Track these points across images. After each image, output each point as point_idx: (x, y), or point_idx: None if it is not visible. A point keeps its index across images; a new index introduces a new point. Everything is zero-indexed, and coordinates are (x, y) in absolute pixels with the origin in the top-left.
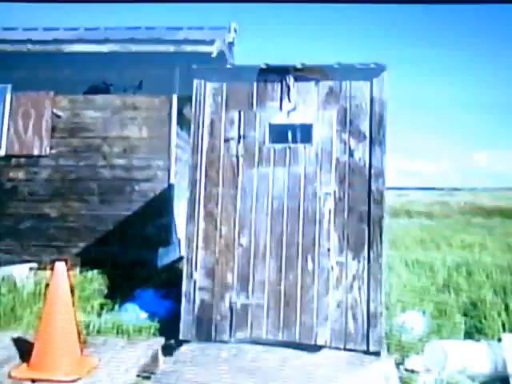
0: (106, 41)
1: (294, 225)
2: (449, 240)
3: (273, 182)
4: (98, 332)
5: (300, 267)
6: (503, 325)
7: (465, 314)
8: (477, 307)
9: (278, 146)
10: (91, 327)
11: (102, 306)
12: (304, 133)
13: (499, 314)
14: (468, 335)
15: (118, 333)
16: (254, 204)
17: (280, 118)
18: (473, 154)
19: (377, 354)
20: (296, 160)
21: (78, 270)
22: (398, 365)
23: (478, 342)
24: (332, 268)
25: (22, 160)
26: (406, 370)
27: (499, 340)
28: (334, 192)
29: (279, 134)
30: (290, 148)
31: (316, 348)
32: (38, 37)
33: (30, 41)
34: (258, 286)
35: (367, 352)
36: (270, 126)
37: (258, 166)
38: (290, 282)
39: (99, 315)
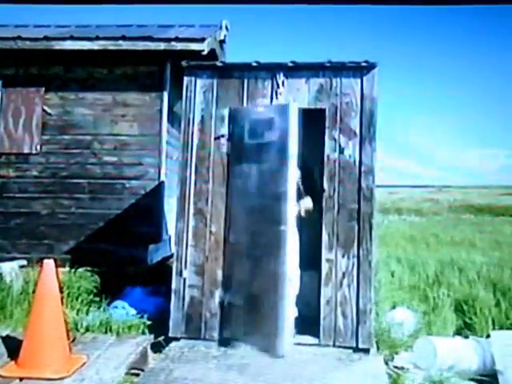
0: (96, 38)
1: None
2: (438, 237)
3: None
4: (87, 329)
5: None
6: (493, 321)
7: (455, 311)
8: (467, 304)
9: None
10: (80, 325)
11: (91, 304)
12: None
13: (489, 311)
14: (458, 332)
15: (107, 330)
16: (243, 201)
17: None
18: (463, 152)
19: (366, 350)
20: None
21: (67, 267)
22: (387, 362)
23: (466, 338)
24: (321, 264)
25: (13, 157)
26: (395, 366)
27: (488, 337)
28: (324, 189)
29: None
30: None
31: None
32: (29, 34)
33: (20, 38)
34: (246, 282)
35: (356, 349)
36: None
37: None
38: None
39: (88, 313)
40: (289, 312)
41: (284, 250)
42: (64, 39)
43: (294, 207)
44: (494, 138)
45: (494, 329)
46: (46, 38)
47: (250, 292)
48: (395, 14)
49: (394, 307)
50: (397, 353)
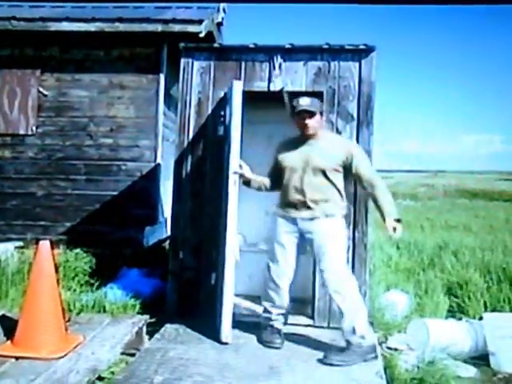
0: (93, 19)
1: None
2: (433, 221)
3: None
4: (83, 310)
5: None
6: (485, 304)
7: (448, 294)
8: (460, 287)
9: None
10: (76, 305)
11: (87, 285)
12: None
13: (482, 294)
14: (451, 314)
15: (102, 311)
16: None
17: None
18: (459, 137)
19: None
20: None
21: (63, 248)
22: (380, 343)
23: (459, 320)
24: None
25: (8, 139)
26: (389, 348)
27: (480, 319)
28: None
29: None
30: None
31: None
32: (24, 14)
33: (15, 18)
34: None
35: None
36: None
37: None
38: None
39: (84, 293)
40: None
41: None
42: (60, 20)
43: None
44: (489, 124)
45: (486, 311)
46: (42, 19)
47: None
48: None
49: (388, 290)
50: (390, 334)
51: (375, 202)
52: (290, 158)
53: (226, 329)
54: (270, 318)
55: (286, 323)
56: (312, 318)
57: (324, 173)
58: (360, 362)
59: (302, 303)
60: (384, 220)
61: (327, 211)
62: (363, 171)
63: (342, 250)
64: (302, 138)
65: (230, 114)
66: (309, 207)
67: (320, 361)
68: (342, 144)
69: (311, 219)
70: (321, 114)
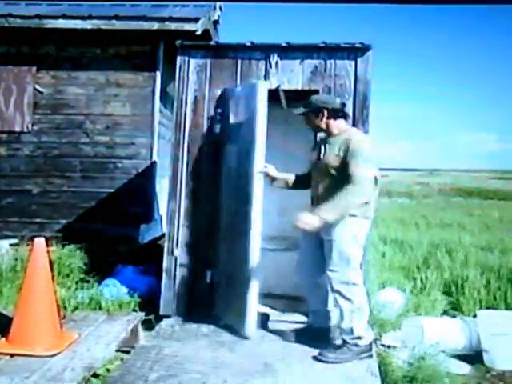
0: (89, 17)
1: None
2: (428, 219)
3: None
4: (78, 307)
5: None
6: (480, 302)
7: (443, 292)
8: (455, 285)
9: None
10: (71, 303)
11: (82, 282)
12: None
13: (478, 292)
14: (445, 312)
15: (97, 308)
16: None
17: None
18: (455, 136)
19: None
20: None
21: (58, 245)
22: (375, 340)
23: (454, 318)
24: None
25: (4, 136)
26: (383, 345)
27: (474, 316)
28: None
29: None
30: None
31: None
32: (20, 11)
33: (11, 15)
34: (238, 262)
35: None
36: None
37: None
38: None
39: (79, 291)
40: (253, 292)
41: (249, 231)
42: (56, 18)
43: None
44: (484, 123)
45: (481, 309)
46: (38, 17)
47: (229, 271)
48: None
49: (383, 287)
50: (385, 332)
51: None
52: (311, 157)
53: (251, 324)
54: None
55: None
56: (307, 315)
57: (333, 170)
58: (355, 359)
59: (296, 301)
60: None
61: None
62: (348, 165)
63: (352, 251)
64: (324, 136)
65: (252, 114)
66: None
67: (315, 358)
68: (347, 139)
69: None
70: (324, 110)
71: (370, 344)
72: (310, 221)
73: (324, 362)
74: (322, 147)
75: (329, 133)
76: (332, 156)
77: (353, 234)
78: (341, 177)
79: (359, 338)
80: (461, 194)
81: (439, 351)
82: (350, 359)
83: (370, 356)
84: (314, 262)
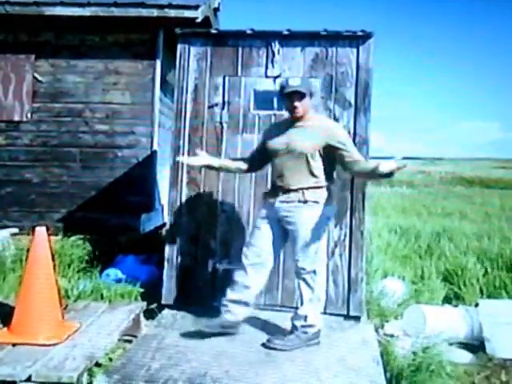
0: (88, 4)
1: None
2: (429, 208)
3: None
4: (79, 297)
5: None
6: (481, 291)
7: (444, 280)
8: (456, 274)
9: (263, 113)
10: (72, 292)
11: (83, 271)
12: None
13: (478, 281)
14: (446, 301)
15: (99, 298)
16: None
17: (265, 85)
18: (457, 125)
19: (357, 318)
20: None
21: (59, 235)
22: (377, 329)
23: (455, 307)
24: None
25: (3, 125)
26: (385, 334)
27: (476, 305)
28: None
29: (264, 100)
30: (274, 115)
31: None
32: None
33: (8, 2)
34: (240, 251)
35: (347, 317)
36: (255, 92)
37: (243, 132)
38: None
39: (80, 280)
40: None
41: None
42: (54, 5)
43: None
44: (486, 111)
45: (482, 298)
46: (36, 3)
47: (233, 259)
48: None
49: (384, 276)
50: (387, 321)
51: (364, 171)
52: (274, 142)
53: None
54: (225, 305)
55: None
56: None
57: (306, 157)
58: (302, 346)
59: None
60: (379, 170)
61: (306, 197)
62: (347, 153)
63: (319, 239)
64: (288, 121)
65: None
66: (287, 193)
67: (263, 345)
68: (326, 126)
69: (289, 205)
70: (311, 95)
71: (319, 331)
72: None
73: (272, 348)
74: (289, 132)
75: (300, 118)
76: (308, 142)
77: (318, 222)
78: (315, 161)
79: (310, 326)
80: (462, 183)
81: (443, 340)
82: (297, 346)
83: (318, 343)
84: (270, 249)
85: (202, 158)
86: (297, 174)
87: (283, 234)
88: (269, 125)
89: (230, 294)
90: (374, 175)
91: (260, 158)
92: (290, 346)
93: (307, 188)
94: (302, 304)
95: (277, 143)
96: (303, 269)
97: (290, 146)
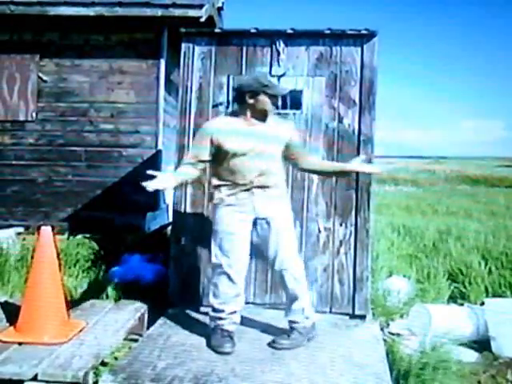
0: (92, 4)
1: None
2: (434, 207)
3: None
4: (85, 296)
5: None
6: (486, 289)
7: (449, 279)
8: (462, 272)
9: None
10: (78, 291)
11: (88, 270)
12: (294, 99)
13: (483, 280)
14: (452, 300)
15: (104, 296)
16: None
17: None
18: (461, 123)
19: (362, 317)
20: None
21: (65, 234)
22: (382, 328)
23: (461, 306)
24: (319, 232)
25: (8, 125)
26: (391, 333)
27: (482, 304)
28: (323, 158)
29: None
30: (279, 114)
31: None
32: None
33: (13, 2)
34: None
35: (353, 315)
36: None
37: None
38: None
39: (86, 279)
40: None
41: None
42: (58, 4)
43: None
44: (490, 110)
45: (487, 297)
46: (40, 3)
47: None
48: None
49: (389, 275)
50: (392, 320)
51: (326, 168)
52: (237, 141)
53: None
54: (220, 317)
55: (239, 323)
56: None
57: (274, 157)
58: (305, 341)
59: None
60: (346, 170)
61: (280, 196)
62: (304, 151)
63: (294, 236)
64: (247, 120)
65: None
66: (263, 192)
67: (269, 345)
68: (285, 126)
69: (266, 205)
70: None
71: (314, 323)
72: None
73: (279, 349)
74: (252, 132)
75: (263, 118)
76: (275, 142)
77: (291, 219)
78: (280, 161)
79: (307, 318)
80: (467, 182)
81: (449, 339)
82: (302, 342)
83: (315, 335)
84: (246, 252)
85: (163, 181)
86: (270, 173)
87: (254, 234)
88: (209, 123)
89: (227, 306)
90: (341, 174)
91: (213, 159)
92: (296, 343)
93: (279, 187)
94: (296, 299)
95: (243, 143)
96: (292, 267)
97: (261, 146)
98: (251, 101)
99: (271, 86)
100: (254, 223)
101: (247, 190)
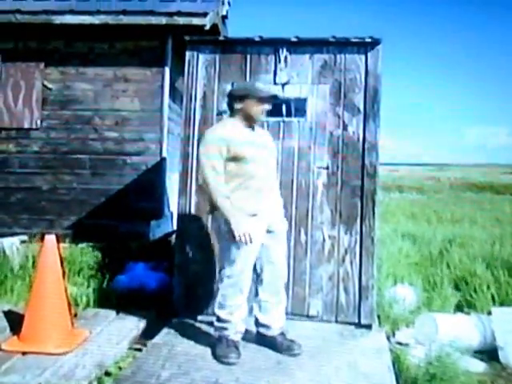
0: (97, 12)
1: (287, 198)
2: (439, 214)
3: None
4: (89, 305)
5: (293, 239)
6: (493, 298)
7: (455, 288)
8: (467, 281)
9: (272, 120)
10: (82, 300)
11: (92, 279)
12: (298, 106)
13: (489, 288)
14: (458, 308)
15: (108, 305)
16: None
17: (274, 91)
18: (465, 130)
19: (368, 326)
20: (290, 134)
21: (68, 242)
22: (388, 337)
23: (467, 314)
24: (324, 240)
25: (13, 132)
26: (397, 342)
27: (489, 313)
28: (328, 166)
29: (273, 107)
30: (283, 122)
31: (308, 319)
32: (28, 7)
33: (19, 11)
34: None
35: (358, 324)
36: None
37: None
38: None
39: (90, 288)
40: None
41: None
42: (64, 13)
43: None
44: (494, 117)
45: (494, 305)
46: (46, 12)
47: None
48: None
49: (395, 283)
50: (398, 329)
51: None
52: (249, 146)
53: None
54: (225, 327)
55: (244, 333)
56: (317, 312)
57: (273, 162)
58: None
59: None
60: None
61: (279, 201)
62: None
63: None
64: (248, 125)
65: None
66: (269, 199)
67: (286, 353)
68: (265, 132)
69: (272, 211)
70: None
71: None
72: None
73: (295, 355)
74: (256, 137)
75: (252, 125)
76: (270, 149)
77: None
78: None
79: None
80: (472, 189)
81: (456, 349)
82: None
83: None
84: (249, 261)
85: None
86: (271, 178)
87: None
88: (215, 129)
89: (232, 316)
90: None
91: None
92: (300, 350)
93: (276, 192)
94: (282, 307)
95: (255, 148)
96: (282, 279)
97: (268, 152)
98: (239, 106)
99: (254, 90)
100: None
101: (256, 197)
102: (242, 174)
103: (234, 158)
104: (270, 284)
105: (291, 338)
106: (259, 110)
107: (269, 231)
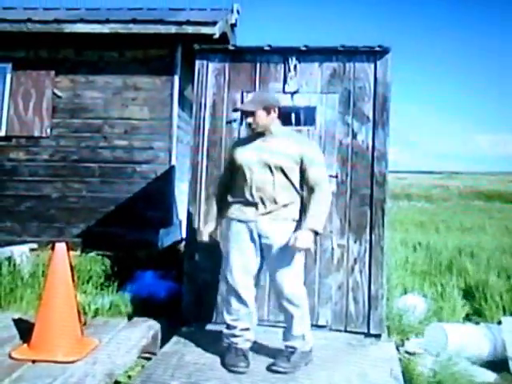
0: (107, 21)
1: None
2: (448, 223)
3: None
4: (98, 313)
5: None
6: (503, 308)
7: (465, 297)
8: (477, 290)
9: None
10: (91, 308)
11: (102, 287)
12: (307, 115)
13: (500, 297)
14: (468, 318)
15: (118, 314)
16: None
17: (283, 100)
18: (474, 138)
19: (377, 336)
20: None
21: (78, 250)
22: (398, 347)
23: (477, 324)
24: (333, 249)
25: (23, 140)
26: (407, 352)
27: (499, 323)
28: (337, 175)
29: (282, 116)
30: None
31: (317, 329)
32: (39, 16)
33: (30, 20)
34: None
35: (368, 334)
36: None
37: None
38: None
39: (99, 296)
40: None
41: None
42: (74, 22)
43: None
44: (503, 124)
45: (504, 315)
46: (57, 21)
47: None
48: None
49: (404, 293)
50: (408, 338)
51: (305, 207)
52: (244, 155)
53: None
54: (234, 335)
55: (253, 341)
56: (326, 322)
57: (286, 170)
58: (302, 365)
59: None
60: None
61: (286, 214)
62: (310, 173)
63: (298, 256)
64: (253, 135)
65: None
66: (267, 208)
67: (269, 369)
68: (295, 141)
69: (270, 222)
70: (267, 109)
71: (311, 348)
72: (306, 240)
73: (280, 372)
74: (257, 146)
75: (267, 131)
76: (282, 156)
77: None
78: (290, 176)
79: (307, 343)
80: (481, 197)
81: (464, 358)
82: (300, 366)
83: (311, 360)
84: (253, 269)
85: (208, 230)
86: (280, 186)
87: (261, 251)
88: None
89: (239, 323)
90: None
91: (230, 177)
92: (295, 367)
93: (287, 204)
94: (291, 324)
95: (249, 157)
96: (288, 289)
97: (266, 160)
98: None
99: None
100: (259, 240)
101: (253, 206)
102: (237, 181)
103: (232, 165)
104: (276, 301)
105: (295, 359)
106: (246, 120)
107: (266, 244)
